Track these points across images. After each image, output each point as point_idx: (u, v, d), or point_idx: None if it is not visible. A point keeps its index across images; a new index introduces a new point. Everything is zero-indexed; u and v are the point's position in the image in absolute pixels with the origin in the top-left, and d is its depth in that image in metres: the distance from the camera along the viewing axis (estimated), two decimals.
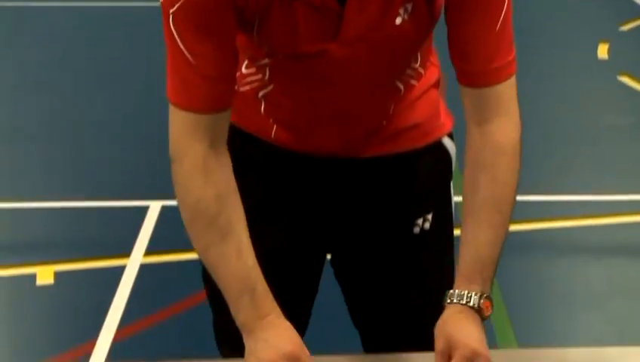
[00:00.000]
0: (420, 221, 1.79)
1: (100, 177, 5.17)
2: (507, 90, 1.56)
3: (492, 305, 1.51)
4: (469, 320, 1.48)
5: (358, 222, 1.77)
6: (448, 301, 1.52)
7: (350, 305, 1.91)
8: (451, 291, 1.52)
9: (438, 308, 1.84)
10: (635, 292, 3.93)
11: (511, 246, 4.39)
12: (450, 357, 1.46)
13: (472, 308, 1.49)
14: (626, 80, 6.57)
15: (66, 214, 4.79)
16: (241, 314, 1.47)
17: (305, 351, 1.44)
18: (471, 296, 1.50)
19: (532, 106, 5.64)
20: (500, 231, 1.55)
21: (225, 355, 1.88)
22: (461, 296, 1.50)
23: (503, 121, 1.56)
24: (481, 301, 1.49)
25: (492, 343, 3.33)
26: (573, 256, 4.27)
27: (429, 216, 1.78)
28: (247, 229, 1.49)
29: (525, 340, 3.44)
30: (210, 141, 1.51)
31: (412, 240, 1.79)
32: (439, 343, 1.47)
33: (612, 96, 6.34)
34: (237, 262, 1.47)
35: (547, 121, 5.76)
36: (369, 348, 1.92)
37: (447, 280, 1.75)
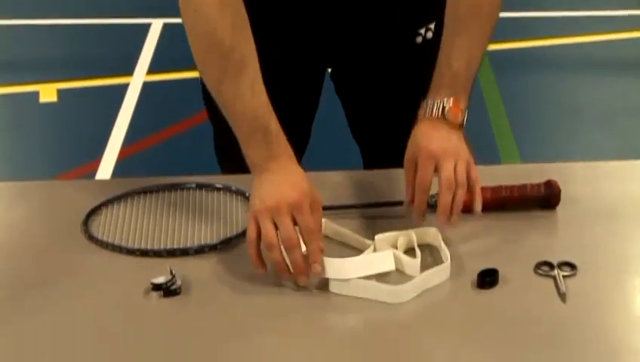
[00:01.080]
0: (422, 30, 1.75)
1: None
2: None
3: (463, 111, 1.48)
4: (435, 128, 1.46)
5: (361, 33, 1.74)
6: (419, 114, 1.50)
7: (351, 119, 1.90)
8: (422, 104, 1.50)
9: None
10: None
11: (516, 63, 4.36)
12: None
13: (439, 117, 1.47)
14: None
15: (67, 32, 4.74)
16: (252, 151, 1.43)
17: (313, 188, 1.43)
18: (435, 105, 1.48)
19: None
20: (477, 41, 1.51)
21: (225, 170, 1.88)
22: (427, 106, 1.48)
23: None
24: (447, 107, 1.47)
25: (496, 161, 3.37)
26: (579, 72, 4.24)
27: (432, 26, 1.75)
28: (258, 67, 1.45)
29: (529, 158, 3.46)
30: None
31: (414, 50, 1.77)
32: (407, 152, 1.47)
33: None
34: (251, 98, 1.43)
35: None
36: (369, 164, 1.92)
37: None
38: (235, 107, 1.44)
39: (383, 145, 1.87)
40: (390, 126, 1.83)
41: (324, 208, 1.44)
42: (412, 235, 1.43)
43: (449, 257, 1.39)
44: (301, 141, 1.87)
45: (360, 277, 1.34)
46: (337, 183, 1.62)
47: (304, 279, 1.35)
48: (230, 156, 1.71)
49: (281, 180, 1.39)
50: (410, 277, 1.36)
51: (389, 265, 1.37)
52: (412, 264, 1.38)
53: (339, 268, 1.35)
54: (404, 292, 1.34)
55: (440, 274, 1.38)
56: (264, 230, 1.35)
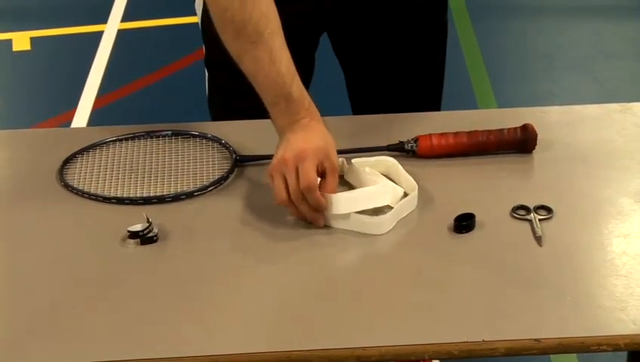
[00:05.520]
0: None
1: None
2: None
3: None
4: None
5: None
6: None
7: (350, 81, 1.89)
8: None
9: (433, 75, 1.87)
10: (619, 52, 3.91)
11: (493, 8, 4.32)
12: None
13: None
14: None
15: None
16: (277, 118, 1.44)
17: (334, 150, 1.42)
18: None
19: None
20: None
21: (215, 119, 1.86)
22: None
23: None
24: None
25: (472, 106, 3.37)
26: (555, 17, 4.22)
27: None
28: (281, 34, 1.45)
29: (506, 103, 3.45)
30: None
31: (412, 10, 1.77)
32: None
33: None
34: (270, 67, 1.42)
35: None
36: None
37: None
38: (257, 78, 1.45)
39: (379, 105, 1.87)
40: (391, 88, 1.84)
41: None
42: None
43: (416, 188, 1.41)
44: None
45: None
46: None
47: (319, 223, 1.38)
48: (222, 106, 1.70)
49: (297, 138, 1.40)
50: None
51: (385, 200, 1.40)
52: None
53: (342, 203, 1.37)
54: (385, 224, 1.36)
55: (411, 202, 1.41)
56: (274, 187, 1.38)
